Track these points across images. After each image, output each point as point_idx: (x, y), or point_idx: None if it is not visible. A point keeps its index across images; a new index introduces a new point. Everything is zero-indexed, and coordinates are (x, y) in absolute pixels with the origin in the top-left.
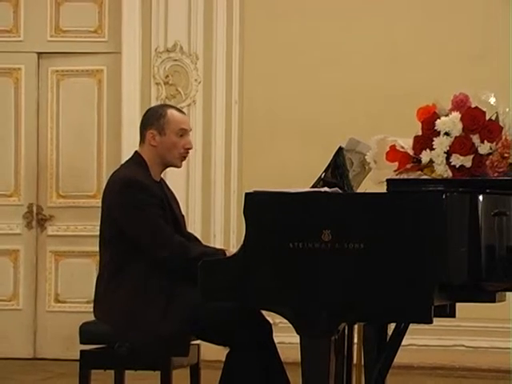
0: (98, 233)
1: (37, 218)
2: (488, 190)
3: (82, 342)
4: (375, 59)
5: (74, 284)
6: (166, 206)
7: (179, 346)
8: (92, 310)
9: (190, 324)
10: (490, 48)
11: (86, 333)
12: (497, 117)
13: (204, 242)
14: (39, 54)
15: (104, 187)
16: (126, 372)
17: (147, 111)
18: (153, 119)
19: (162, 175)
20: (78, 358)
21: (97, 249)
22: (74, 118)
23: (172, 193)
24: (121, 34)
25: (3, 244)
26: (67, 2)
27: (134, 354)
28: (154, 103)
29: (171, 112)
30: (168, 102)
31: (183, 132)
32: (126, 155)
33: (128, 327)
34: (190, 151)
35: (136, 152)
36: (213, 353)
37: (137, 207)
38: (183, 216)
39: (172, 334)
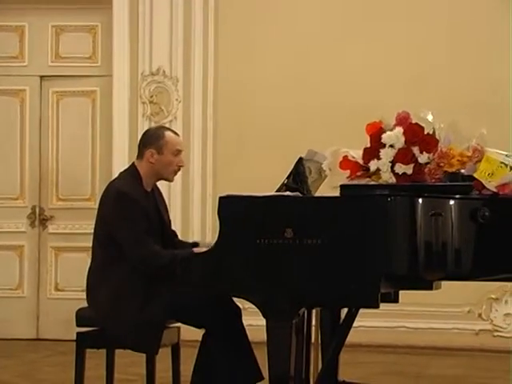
0: (92, 231)
1: (39, 218)
2: (426, 194)
3: (78, 325)
4: (331, 82)
5: (72, 275)
6: (154, 214)
7: (151, 346)
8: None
9: (169, 314)
10: (428, 72)
11: (82, 317)
12: (433, 131)
13: (183, 239)
14: (41, 77)
15: (102, 193)
16: (117, 351)
17: (146, 132)
18: (152, 139)
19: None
20: (75, 338)
21: (90, 244)
22: (72, 132)
23: (163, 199)
24: (112, 59)
25: (10, 240)
26: (66, 32)
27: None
28: (140, 120)
29: (169, 134)
30: (152, 119)
31: (178, 152)
32: (116, 164)
33: (110, 317)
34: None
35: (133, 164)
36: (191, 334)
37: (124, 219)
38: (170, 220)
39: (145, 337)
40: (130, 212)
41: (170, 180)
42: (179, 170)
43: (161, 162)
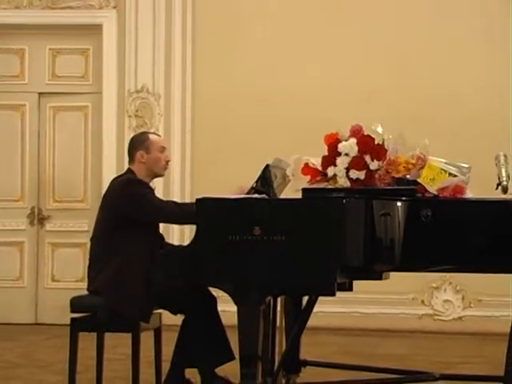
0: (84, 229)
1: (38, 218)
2: (377, 197)
3: (72, 311)
4: (294, 99)
5: (66, 267)
6: None
7: (146, 314)
8: (79, 287)
9: (155, 298)
10: (379, 90)
11: (75, 304)
12: (383, 142)
13: (164, 235)
14: (40, 93)
15: (104, 192)
16: (106, 334)
17: (132, 138)
18: (139, 143)
19: None
20: (69, 323)
21: (83, 241)
22: (66, 142)
23: None
24: (102, 78)
25: (12, 237)
26: (61, 55)
27: (112, 320)
28: (127, 131)
29: (152, 136)
30: (137, 130)
31: (163, 149)
32: (106, 170)
33: (115, 299)
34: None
35: (129, 168)
36: (172, 319)
37: (138, 195)
38: None
39: (142, 306)
40: (140, 190)
41: (161, 175)
42: (167, 164)
43: (151, 160)
